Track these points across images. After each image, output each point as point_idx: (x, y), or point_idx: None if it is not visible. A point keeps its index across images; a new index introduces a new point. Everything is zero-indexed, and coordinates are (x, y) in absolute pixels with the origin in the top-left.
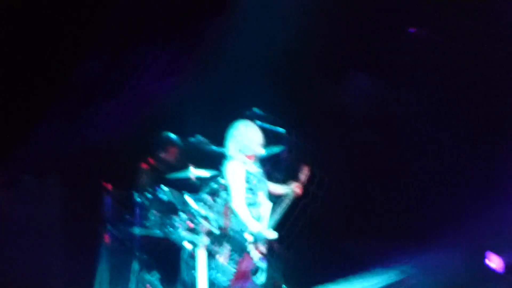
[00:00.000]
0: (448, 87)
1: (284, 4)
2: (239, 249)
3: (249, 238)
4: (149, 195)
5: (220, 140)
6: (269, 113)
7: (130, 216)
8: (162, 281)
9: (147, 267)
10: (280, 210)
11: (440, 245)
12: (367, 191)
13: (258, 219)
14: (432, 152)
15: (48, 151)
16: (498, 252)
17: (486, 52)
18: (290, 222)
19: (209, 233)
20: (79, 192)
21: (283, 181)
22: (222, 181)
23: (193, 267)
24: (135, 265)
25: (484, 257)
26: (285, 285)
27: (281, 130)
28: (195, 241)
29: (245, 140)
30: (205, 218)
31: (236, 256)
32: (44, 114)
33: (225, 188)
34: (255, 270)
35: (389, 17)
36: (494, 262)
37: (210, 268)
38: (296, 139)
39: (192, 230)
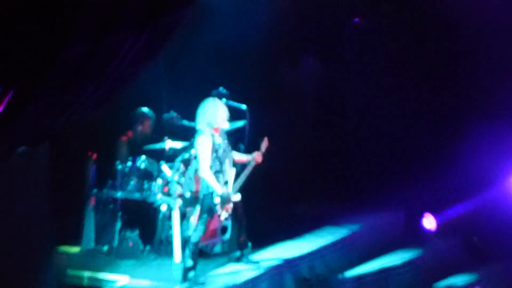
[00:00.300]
0: (389, 70)
1: None
2: (208, 210)
3: (216, 200)
4: (129, 164)
5: (191, 116)
6: (233, 92)
7: (113, 182)
8: (141, 237)
9: (128, 225)
10: (243, 175)
11: (383, 207)
12: (317, 159)
13: (224, 184)
14: (376, 122)
15: (42, 126)
16: (433, 214)
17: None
18: (251, 185)
19: (182, 197)
20: (69, 162)
21: (245, 151)
22: (193, 151)
23: (169, 226)
24: (118, 224)
25: (421, 218)
26: (249, 242)
27: (243, 107)
28: (170, 204)
29: (212, 116)
30: (178, 183)
31: (205, 216)
32: (38, 95)
33: (195, 158)
34: (222, 228)
35: (337, 8)
36: (429, 222)
37: (183, 227)
38: (256, 115)
39: (167, 194)
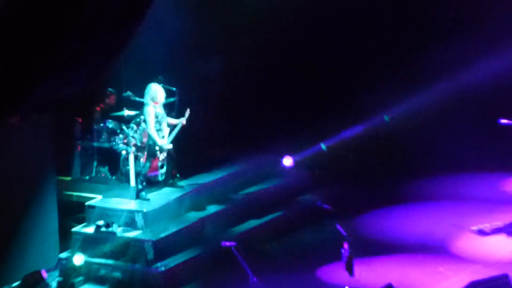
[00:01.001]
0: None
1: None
2: (152, 154)
3: (157, 148)
4: (101, 125)
5: (141, 94)
6: (167, 78)
7: (91, 136)
8: (109, 171)
9: (101, 163)
10: (174, 132)
11: (263, 151)
12: (221, 120)
13: (162, 137)
14: (263, 91)
15: (48, 100)
16: (291, 155)
17: None
18: (179, 138)
19: (136, 146)
20: (64, 123)
21: (175, 116)
22: (142, 117)
23: (127, 164)
24: (95, 163)
25: (282, 159)
26: (178, 173)
27: (173, 88)
28: (128, 150)
29: (154, 94)
30: (133, 137)
31: (150, 158)
32: (47, 76)
33: (144, 121)
34: (161, 166)
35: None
36: (287, 161)
37: (135, 164)
38: (181, 94)
39: (126, 144)
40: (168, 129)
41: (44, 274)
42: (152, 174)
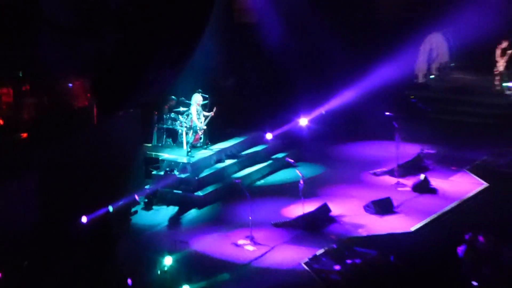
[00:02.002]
0: None
1: None
2: (195, 131)
3: (198, 128)
4: (167, 115)
5: (189, 98)
6: (203, 89)
7: (162, 122)
8: (172, 141)
9: (167, 136)
10: (207, 120)
11: (255, 128)
12: (235, 107)
13: (201, 122)
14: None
15: (134, 101)
16: (271, 131)
17: None
18: (209, 122)
19: (186, 127)
20: (147, 115)
21: (208, 111)
22: (189, 111)
23: (182, 137)
24: (164, 136)
25: (264, 134)
26: (209, 142)
27: (206, 95)
28: (182, 129)
29: (196, 98)
30: (185, 122)
31: (194, 133)
32: (134, 87)
33: (191, 113)
34: (200, 137)
35: None
36: (269, 136)
37: (186, 137)
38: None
39: (181, 126)
40: (203, 118)
41: (137, 197)
42: (195, 142)
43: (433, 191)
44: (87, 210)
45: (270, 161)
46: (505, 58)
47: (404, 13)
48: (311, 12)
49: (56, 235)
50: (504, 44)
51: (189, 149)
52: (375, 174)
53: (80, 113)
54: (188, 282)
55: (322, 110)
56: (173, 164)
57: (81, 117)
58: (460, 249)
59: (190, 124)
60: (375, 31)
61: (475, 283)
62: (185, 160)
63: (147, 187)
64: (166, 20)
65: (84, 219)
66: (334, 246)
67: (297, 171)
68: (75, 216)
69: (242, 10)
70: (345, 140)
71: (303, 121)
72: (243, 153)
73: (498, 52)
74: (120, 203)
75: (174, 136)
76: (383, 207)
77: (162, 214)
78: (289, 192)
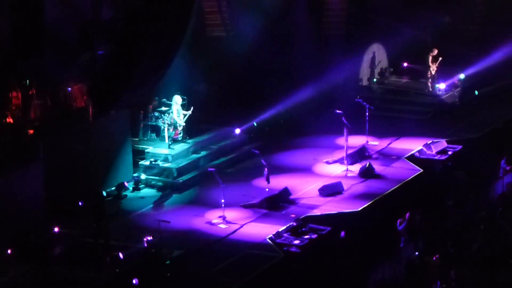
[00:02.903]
0: None
1: None
2: (175, 127)
3: (178, 124)
4: (152, 114)
5: (170, 99)
6: (182, 91)
7: (147, 119)
8: (156, 135)
9: (152, 132)
10: (186, 117)
11: (225, 123)
12: (212, 99)
13: (180, 120)
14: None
15: (125, 100)
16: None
17: None
18: (187, 120)
19: (168, 123)
20: (134, 113)
21: (186, 109)
22: (170, 110)
23: (164, 132)
24: (149, 131)
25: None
26: (187, 136)
27: (184, 97)
28: (164, 125)
29: (176, 100)
30: (167, 119)
31: (175, 129)
32: (123, 90)
33: (172, 112)
34: (180, 132)
35: None
36: (237, 131)
37: (168, 132)
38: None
39: (163, 123)
40: (182, 116)
41: (126, 184)
42: (176, 137)
43: (377, 176)
44: (83, 194)
45: (238, 152)
46: (436, 63)
47: (350, 28)
48: (271, 26)
49: (58, 214)
50: (435, 52)
51: (170, 142)
52: (328, 163)
53: (78, 113)
54: (169, 255)
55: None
56: (157, 155)
57: (79, 116)
58: (399, 223)
59: (171, 121)
60: (327, 44)
61: (416, 253)
62: (167, 151)
63: (135, 175)
64: (150, 33)
65: (80, 202)
66: (294, 224)
67: (262, 161)
68: (74, 199)
69: (213, 24)
70: (302, 134)
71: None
72: (216, 145)
73: (430, 58)
74: (112, 188)
75: (157, 131)
76: (335, 190)
77: (148, 198)
78: (256, 178)
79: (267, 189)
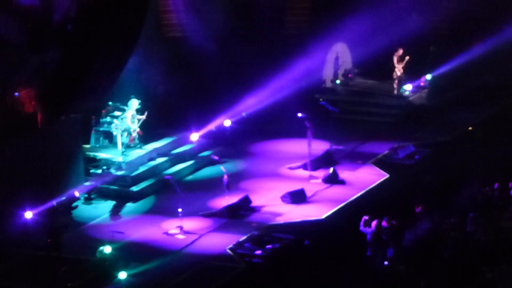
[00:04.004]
0: None
1: None
2: (129, 133)
3: (132, 130)
4: (104, 119)
5: (124, 103)
6: (137, 96)
7: (99, 125)
8: (109, 142)
9: (104, 138)
10: (140, 122)
11: (182, 131)
12: (185, 103)
13: (134, 125)
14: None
15: (76, 106)
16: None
17: None
18: (142, 125)
19: (121, 129)
20: (86, 120)
21: (141, 114)
22: (124, 115)
23: (117, 138)
24: (101, 138)
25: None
26: (142, 142)
27: (139, 101)
28: (117, 131)
29: (131, 104)
30: (120, 125)
31: (129, 135)
32: (75, 95)
33: (125, 117)
34: (134, 138)
35: None
36: (194, 136)
37: (121, 138)
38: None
39: (116, 128)
40: (137, 121)
41: (77, 193)
42: (130, 143)
43: (341, 182)
44: (31, 205)
45: (197, 159)
46: (402, 63)
47: (311, 27)
48: (230, 26)
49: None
50: (400, 52)
51: (123, 149)
52: (291, 168)
53: (26, 119)
54: (124, 268)
55: (243, 112)
56: (110, 163)
57: (27, 122)
58: (364, 230)
59: (124, 127)
60: (287, 43)
61: (386, 263)
62: (120, 159)
63: (86, 184)
64: (102, 34)
65: (28, 214)
66: (256, 233)
67: (222, 167)
68: (20, 211)
69: (169, 25)
70: (263, 139)
71: (227, 122)
72: (172, 152)
73: (395, 58)
74: (62, 198)
75: (110, 137)
76: (297, 197)
77: (101, 208)
78: (215, 186)
79: (227, 198)
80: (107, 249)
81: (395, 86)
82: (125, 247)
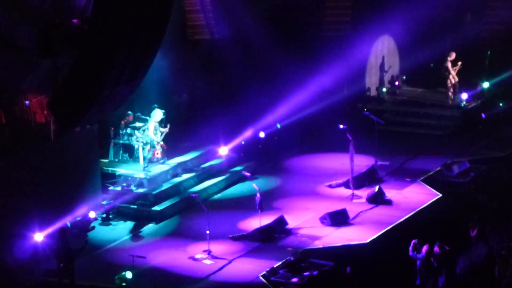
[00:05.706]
0: None
1: None
2: (152, 144)
3: (155, 143)
4: (124, 131)
5: (145, 114)
6: (159, 106)
7: (118, 137)
8: (129, 156)
9: (124, 152)
10: (163, 135)
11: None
12: (192, 119)
13: (157, 137)
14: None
15: (94, 117)
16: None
17: None
18: (165, 138)
19: (143, 142)
20: (103, 130)
21: (164, 126)
22: (147, 125)
23: (138, 152)
24: (121, 151)
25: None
26: (166, 157)
27: (163, 111)
28: (138, 144)
29: (155, 114)
30: (141, 137)
31: (152, 148)
32: (91, 104)
33: (147, 128)
34: (158, 152)
35: None
36: (224, 150)
37: (143, 152)
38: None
39: (137, 141)
40: (160, 133)
41: (94, 213)
42: (153, 158)
43: (388, 202)
44: (42, 226)
45: (226, 175)
46: (456, 69)
47: (353, 27)
48: (263, 29)
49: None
50: (453, 55)
51: (146, 164)
52: (330, 186)
53: (37, 130)
54: None
55: (277, 123)
56: (130, 179)
57: (39, 134)
58: (413, 255)
59: (146, 139)
60: (325, 46)
61: None
62: (142, 175)
63: (104, 202)
64: (121, 37)
65: (38, 236)
66: (291, 258)
67: (254, 185)
68: (29, 232)
69: (195, 26)
70: (299, 153)
71: (261, 134)
72: (200, 167)
73: (449, 64)
74: (77, 219)
75: (130, 151)
76: (338, 218)
77: (120, 229)
78: (246, 205)
79: (259, 218)
80: (127, 276)
81: (450, 94)
82: (147, 273)
